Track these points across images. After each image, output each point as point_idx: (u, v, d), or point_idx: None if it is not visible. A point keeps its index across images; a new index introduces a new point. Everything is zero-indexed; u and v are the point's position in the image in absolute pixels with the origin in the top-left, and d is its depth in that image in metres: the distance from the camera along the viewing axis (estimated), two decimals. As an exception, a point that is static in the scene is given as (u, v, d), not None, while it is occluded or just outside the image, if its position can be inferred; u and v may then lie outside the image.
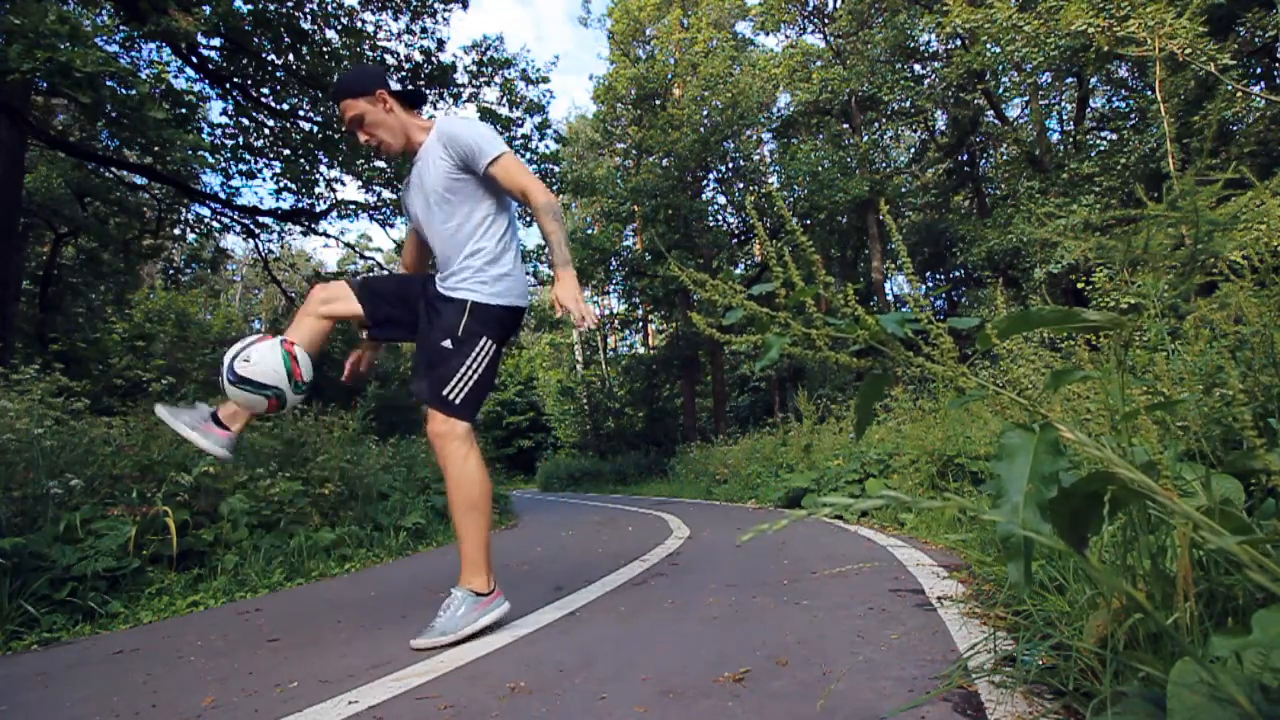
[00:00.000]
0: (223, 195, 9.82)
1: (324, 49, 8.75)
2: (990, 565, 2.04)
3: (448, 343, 2.03)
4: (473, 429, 2.05)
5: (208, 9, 6.80)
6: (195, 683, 1.61)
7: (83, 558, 2.63)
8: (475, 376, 2.03)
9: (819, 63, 16.27)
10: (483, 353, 2.05)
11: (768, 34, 17.42)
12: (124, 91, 5.56)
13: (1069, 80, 12.59)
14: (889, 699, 1.16)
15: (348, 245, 11.84)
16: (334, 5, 8.76)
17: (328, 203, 10.16)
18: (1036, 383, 1.58)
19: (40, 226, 11.58)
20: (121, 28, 7.32)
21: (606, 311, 28.32)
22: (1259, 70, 11.11)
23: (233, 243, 54.11)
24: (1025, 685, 1.13)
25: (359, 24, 9.19)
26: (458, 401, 2.00)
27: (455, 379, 2.01)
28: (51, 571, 2.51)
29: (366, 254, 12.52)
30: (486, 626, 1.91)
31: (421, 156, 2.13)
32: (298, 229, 10.71)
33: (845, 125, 16.72)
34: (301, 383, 2.08)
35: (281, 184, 9.86)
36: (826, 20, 16.47)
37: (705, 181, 17.94)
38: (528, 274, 14.08)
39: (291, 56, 8.60)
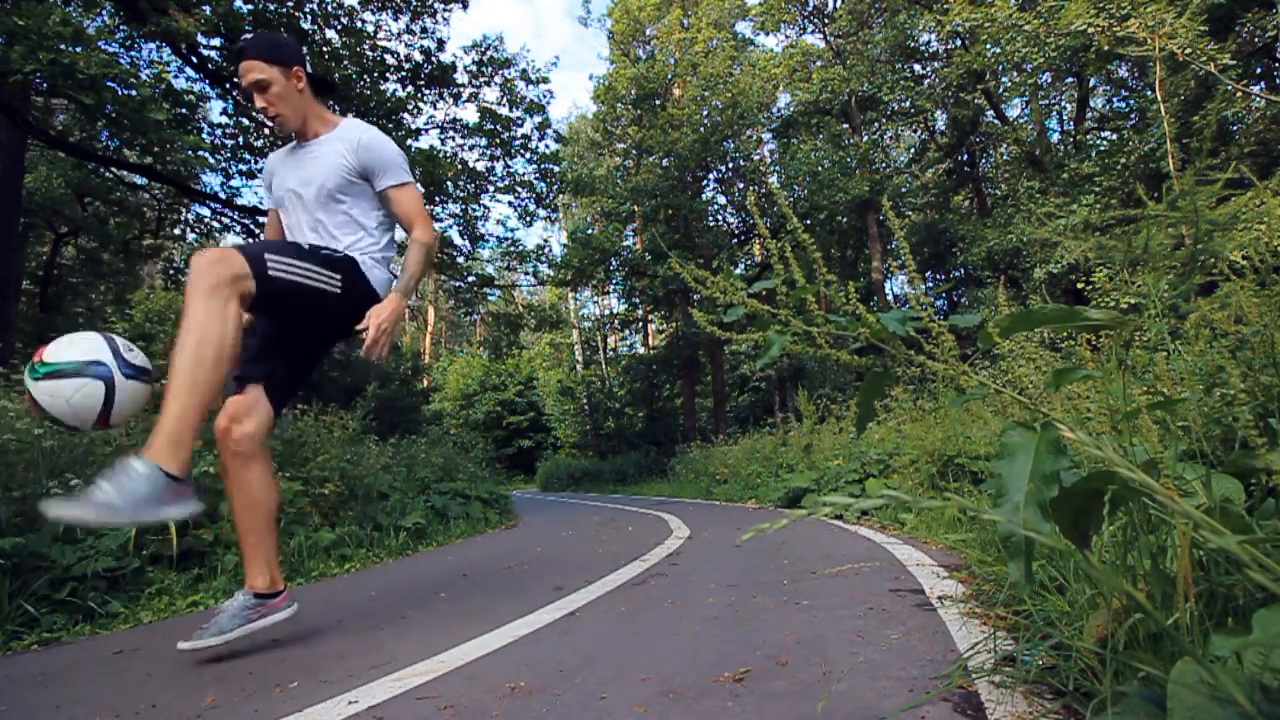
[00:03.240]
0: (223, 195, 9.83)
1: (324, 49, 8.75)
2: (990, 565, 2.04)
3: (304, 245, 1.91)
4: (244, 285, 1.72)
5: (208, 9, 6.81)
6: (195, 683, 1.61)
7: (83, 558, 2.63)
8: (302, 278, 1.81)
9: (819, 63, 16.29)
10: (325, 279, 1.86)
11: (768, 34, 17.46)
12: (124, 92, 5.56)
13: (1069, 80, 12.59)
14: (889, 699, 1.16)
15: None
16: (334, 5, 8.77)
17: (327, 202, 10.15)
18: (1037, 382, 1.58)
19: (40, 226, 11.58)
20: (121, 28, 7.32)
21: (606, 311, 28.38)
22: (1259, 70, 11.11)
23: (233, 243, 54.08)
24: (1025, 685, 1.13)
25: (359, 24, 9.19)
26: (270, 272, 1.74)
27: (288, 259, 1.80)
28: (51, 571, 2.51)
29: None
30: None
31: (315, 147, 2.04)
32: (298, 229, 10.69)
33: (845, 125, 16.72)
34: (129, 365, 1.66)
35: (281, 184, 9.85)
36: (826, 20, 16.48)
37: (705, 181, 17.95)
38: (527, 273, 14.14)
39: (291, 56, 8.60)
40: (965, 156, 16.20)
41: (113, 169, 10.06)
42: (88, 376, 1.62)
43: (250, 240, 1.80)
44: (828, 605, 1.94)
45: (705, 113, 16.60)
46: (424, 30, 9.82)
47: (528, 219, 12.18)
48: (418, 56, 9.81)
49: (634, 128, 17.79)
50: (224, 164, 9.39)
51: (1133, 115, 11.75)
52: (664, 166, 16.95)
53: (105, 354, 1.67)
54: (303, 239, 2.01)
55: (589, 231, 19.61)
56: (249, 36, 1.95)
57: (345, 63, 8.83)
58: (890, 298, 18.61)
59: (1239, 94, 8.76)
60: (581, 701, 1.27)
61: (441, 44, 9.92)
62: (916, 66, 14.71)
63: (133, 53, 8.34)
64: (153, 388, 1.77)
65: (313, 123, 2.06)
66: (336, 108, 8.90)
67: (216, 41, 8.05)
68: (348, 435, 5.58)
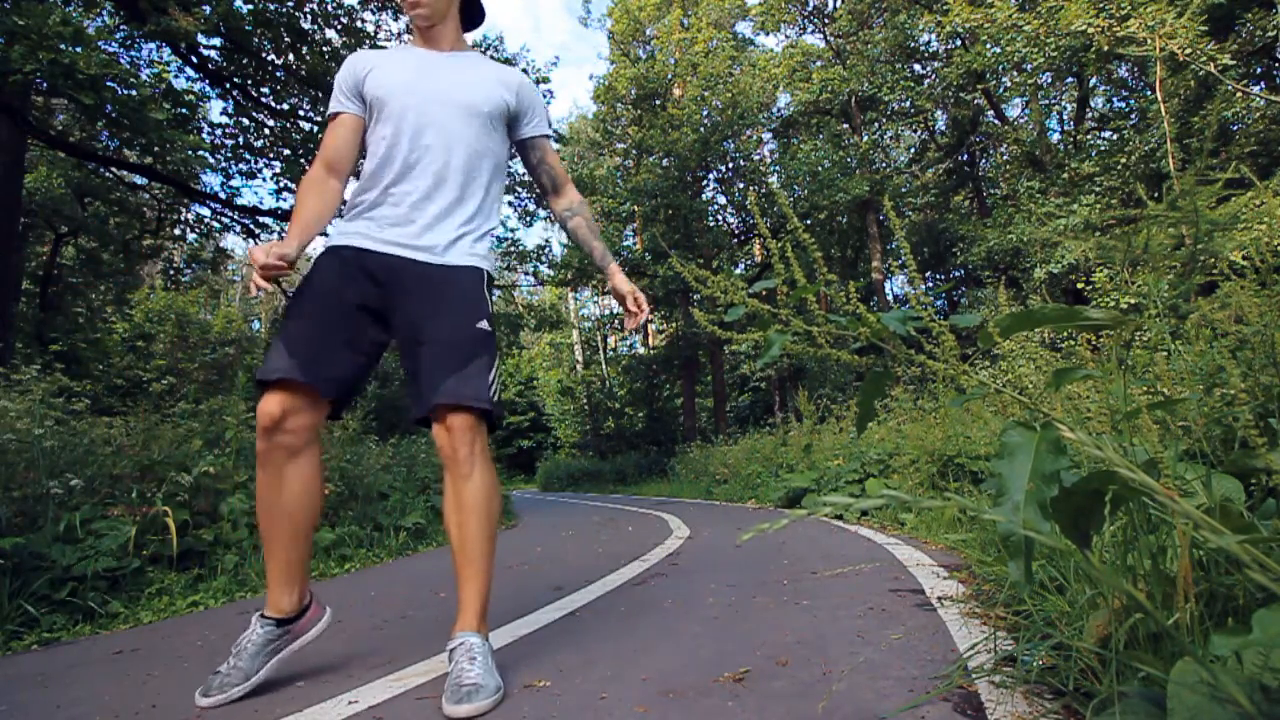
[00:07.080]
0: (223, 195, 9.82)
1: (324, 49, 8.75)
2: (990, 565, 2.04)
3: (485, 323, 1.51)
4: None
5: (208, 9, 6.81)
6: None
7: (83, 558, 2.63)
8: (496, 369, 1.55)
9: (819, 63, 16.30)
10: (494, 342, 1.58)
11: (768, 34, 17.47)
12: (124, 92, 5.57)
13: (1069, 80, 12.59)
14: (889, 699, 1.16)
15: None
16: (334, 5, 8.77)
17: (328, 203, 10.16)
18: (1037, 382, 1.58)
19: (40, 226, 11.58)
20: (122, 28, 7.33)
21: (606, 312, 28.38)
22: (1259, 70, 11.10)
23: (233, 243, 54.34)
24: (1025, 685, 1.13)
25: (359, 24, 9.19)
26: (497, 399, 1.51)
27: (495, 372, 1.50)
28: (51, 571, 2.51)
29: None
30: None
31: (459, 63, 1.65)
32: (298, 229, 10.69)
33: (845, 125, 16.73)
34: None
35: (281, 184, 9.86)
36: (826, 20, 16.48)
37: (705, 181, 17.94)
38: (527, 273, 14.13)
39: (291, 56, 8.60)
40: (965, 156, 16.20)
41: (113, 169, 10.06)
42: None
43: (458, 366, 1.41)
44: (828, 605, 1.94)
45: (705, 113, 16.59)
46: (424, 30, 9.82)
47: (528, 219, 12.18)
48: (418, 56, 9.80)
49: (634, 128, 17.78)
50: (224, 164, 9.39)
51: (1133, 115, 11.75)
52: (664, 166, 16.94)
53: None
54: (433, 176, 1.56)
55: (589, 231, 19.55)
56: None
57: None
58: (890, 298, 18.61)
59: (1239, 94, 8.75)
60: (581, 701, 1.27)
61: (442, 44, 9.91)
62: (916, 66, 14.70)
63: (133, 53, 8.34)
64: None
65: (450, 32, 1.67)
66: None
67: (216, 41, 8.05)
68: (348, 435, 5.58)
